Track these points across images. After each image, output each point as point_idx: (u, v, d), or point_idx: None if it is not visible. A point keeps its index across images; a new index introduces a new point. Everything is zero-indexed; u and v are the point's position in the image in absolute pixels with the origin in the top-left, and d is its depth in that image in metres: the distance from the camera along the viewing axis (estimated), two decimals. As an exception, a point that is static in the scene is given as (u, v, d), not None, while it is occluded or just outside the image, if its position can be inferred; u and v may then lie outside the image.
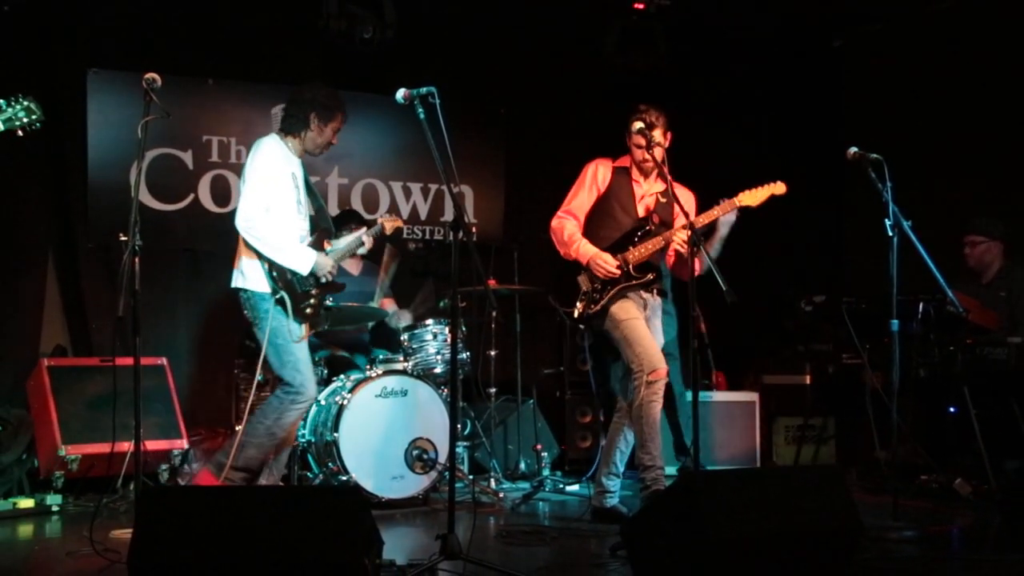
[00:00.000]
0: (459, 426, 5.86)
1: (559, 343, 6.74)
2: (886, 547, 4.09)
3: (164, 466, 5.46)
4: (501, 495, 5.52)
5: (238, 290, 4.61)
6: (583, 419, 6.71)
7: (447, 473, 4.60)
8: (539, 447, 6.19)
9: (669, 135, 4.66)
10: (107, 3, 6.00)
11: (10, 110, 3.98)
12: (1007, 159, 6.41)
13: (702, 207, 4.62)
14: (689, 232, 4.18)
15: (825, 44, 7.75)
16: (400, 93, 3.86)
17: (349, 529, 3.05)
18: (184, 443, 5.47)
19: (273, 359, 4.55)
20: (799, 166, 6.87)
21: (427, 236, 6.94)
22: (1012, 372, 5.35)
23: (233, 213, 4.54)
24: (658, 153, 4.50)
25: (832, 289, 6.20)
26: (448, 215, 6.78)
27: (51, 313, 5.94)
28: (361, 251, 5.05)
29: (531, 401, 6.37)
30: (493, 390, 6.15)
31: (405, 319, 5.95)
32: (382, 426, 5.14)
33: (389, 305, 6.06)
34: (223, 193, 6.33)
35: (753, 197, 4.50)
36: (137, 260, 3.79)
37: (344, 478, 4.99)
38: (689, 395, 6.02)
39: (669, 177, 4.40)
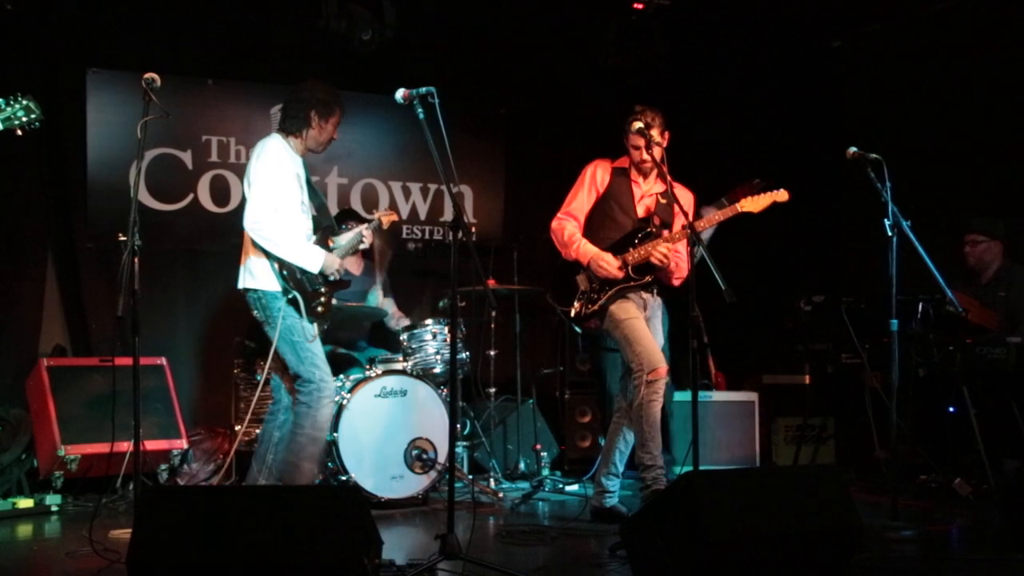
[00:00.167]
0: (459, 426, 5.86)
1: (559, 343, 6.74)
2: (886, 547, 4.10)
3: (164, 466, 5.46)
4: (501, 495, 5.52)
5: (247, 290, 4.58)
6: (583, 419, 6.70)
7: (447, 473, 4.60)
8: (539, 447, 6.20)
9: (667, 134, 4.66)
10: (107, 3, 6.00)
11: (9, 109, 3.98)
12: (1007, 159, 6.40)
13: (702, 207, 4.62)
14: (674, 242, 4.30)
15: (825, 44, 7.75)
16: (399, 93, 3.87)
17: (348, 529, 3.05)
18: (183, 443, 5.48)
19: (290, 357, 4.53)
20: (798, 166, 6.88)
21: (426, 236, 6.94)
22: (1011, 372, 5.34)
23: (233, 213, 4.55)
24: (656, 153, 4.50)
25: (832, 289, 6.20)
26: (448, 215, 6.77)
27: (50, 313, 5.93)
28: (363, 246, 5.06)
29: (531, 401, 6.37)
30: (493, 390, 6.15)
31: (404, 322, 5.96)
32: (381, 426, 5.14)
33: (389, 306, 6.07)
34: (222, 193, 6.32)
35: (755, 204, 4.50)
36: (136, 260, 3.80)
37: (343, 478, 5.00)
38: (677, 395, 6.05)
39: (669, 178, 4.40)
